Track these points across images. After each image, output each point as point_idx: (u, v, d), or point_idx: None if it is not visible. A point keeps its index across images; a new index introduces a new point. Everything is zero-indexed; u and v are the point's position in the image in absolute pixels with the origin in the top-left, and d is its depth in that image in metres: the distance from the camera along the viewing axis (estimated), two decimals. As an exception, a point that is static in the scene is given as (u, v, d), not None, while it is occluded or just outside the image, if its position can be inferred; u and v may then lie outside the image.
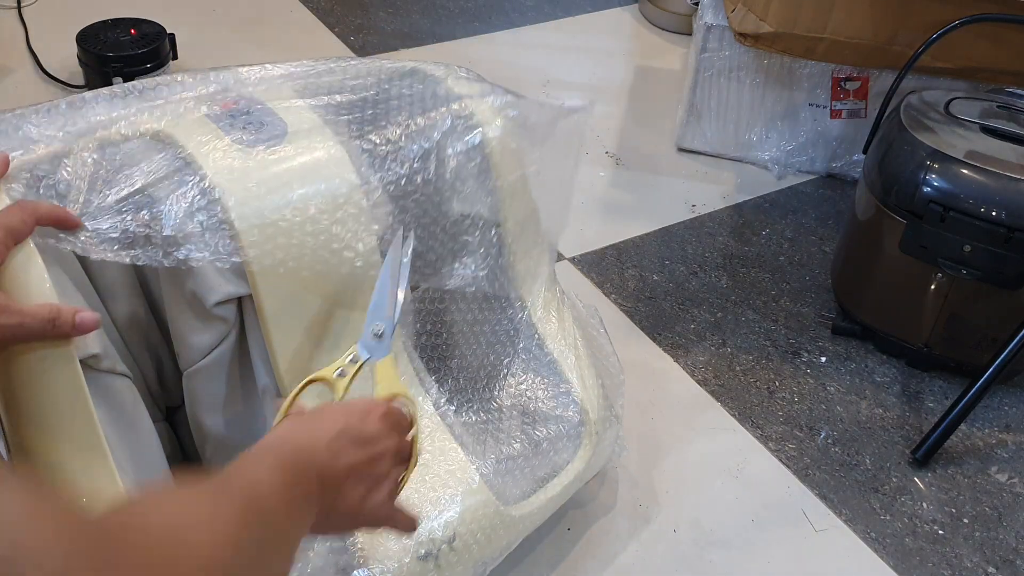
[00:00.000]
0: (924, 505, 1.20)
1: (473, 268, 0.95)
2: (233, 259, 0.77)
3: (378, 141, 0.88)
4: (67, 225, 0.74)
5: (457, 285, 0.94)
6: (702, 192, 1.73)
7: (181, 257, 0.76)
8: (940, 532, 1.17)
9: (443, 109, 0.93)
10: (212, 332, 0.81)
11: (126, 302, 0.86)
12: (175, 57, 1.80)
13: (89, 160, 0.77)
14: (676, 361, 1.37)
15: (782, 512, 1.17)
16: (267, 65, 0.95)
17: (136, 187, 0.77)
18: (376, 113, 0.89)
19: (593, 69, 2.10)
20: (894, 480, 1.23)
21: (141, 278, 0.88)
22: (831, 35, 1.58)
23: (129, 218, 0.75)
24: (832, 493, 1.20)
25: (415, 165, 0.89)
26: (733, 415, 1.29)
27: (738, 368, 1.37)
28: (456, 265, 0.94)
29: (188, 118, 0.84)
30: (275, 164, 0.81)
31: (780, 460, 1.24)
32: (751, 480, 1.21)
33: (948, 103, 1.36)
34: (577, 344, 1.03)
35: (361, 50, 2.03)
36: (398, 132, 0.89)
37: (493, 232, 0.96)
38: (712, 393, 1.32)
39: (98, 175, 0.77)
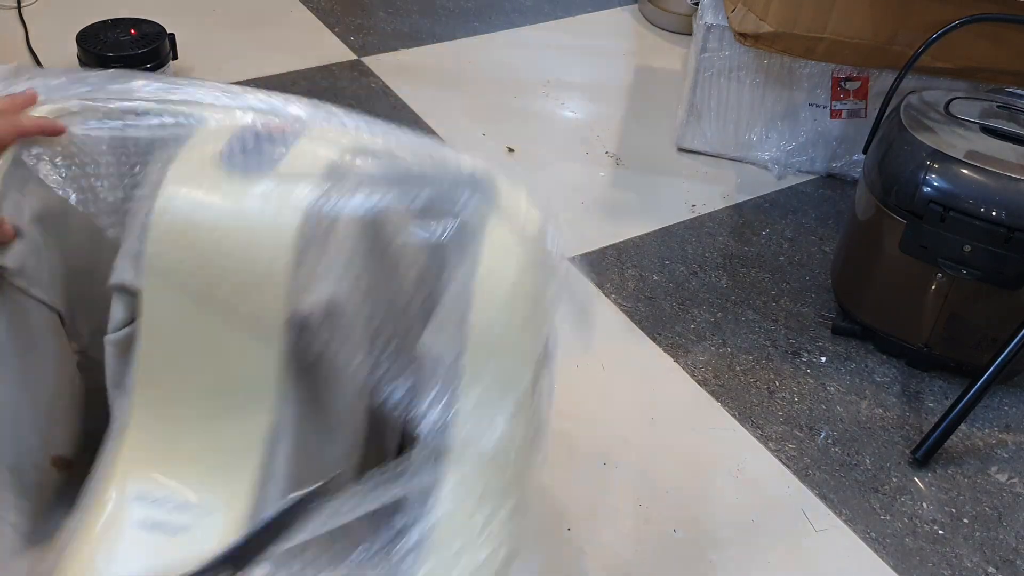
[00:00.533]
0: (924, 505, 1.20)
1: (404, 403, 0.78)
2: (136, 245, 0.77)
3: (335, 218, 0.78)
4: (52, 131, 0.77)
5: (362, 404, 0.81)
6: (702, 192, 1.73)
7: (103, 225, 0.79)
8: (940, 532, 1.17)
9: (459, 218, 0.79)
10: (120, 311, 0.81)
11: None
12: (175, 57, 1.81)
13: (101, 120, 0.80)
14: (676, 361, 1.37)
15: (782, 512, 1.17)
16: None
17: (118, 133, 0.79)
18: (387, 196, 0.80)
19: (593, 69, 2.10)
20: (894, 480, 1.23)
21: None
22: (831, 35, 1.58)
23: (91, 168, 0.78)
24: (832, 493, 1.20)
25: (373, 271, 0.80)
26: (733, 415, 1.29)
27: (738, 368, 1.37)
28: (380, 393, 0.80)
29: (227, 119, 0.83)
30: (226, 186, 0.78)
31: (780, 460, 1.24)
32: (751, 480, 1.21)
33: (948, 103, 1.36)
34: None
35: (361, 50, 2.03)
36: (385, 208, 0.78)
37: (443, 379, 0.77)
38: (712, 393, 1.32)
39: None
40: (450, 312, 0.78)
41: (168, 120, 0.82)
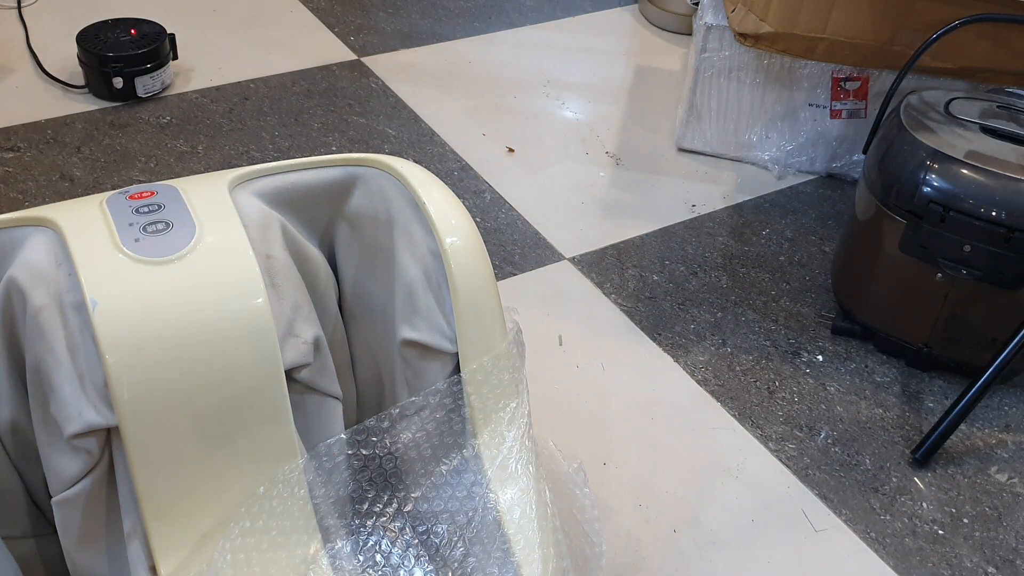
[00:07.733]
0: (924, 505, 1.20)
1: (422, 407, 0.80)
2: (91, 375, 0.68)
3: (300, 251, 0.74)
4: None
5: (403, 423, 0.80)
6: (702, 192, 1.73)
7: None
8: (940, 532, 1.17)
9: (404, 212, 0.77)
10: (76, 463, 0.71)
11: (8, 405, 0.75)
12: (175, 57, 1.81)
13: None
14: (676, 361, 1.37)
15: (782, 512, 1.17)
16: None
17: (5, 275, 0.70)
18: (319, 215, 0.77)
19: (593, 69, 2.10)
20: (894, 480, 1.23)
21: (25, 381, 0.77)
22: (831, 35, 1.58)
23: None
24: (832, 493, 1.20)
25: (353, 281, 0.78)
26: (733, 415, 1.29)
27: (738, 368, 1.37)
28: (402, 398, 0.81)
29: (87, 205, 0.73)
30: (165, 280, 0.70)
31: (780, 460, 1.24)
32: (751, 480, 1.21)
33: (948, 103, 1.36)
34: (546, 513, 0.83)
35: (361, 50, 2.03)
36: (346, 237, 0.76)
37: (450, 366, 0.80)
38: (712, 393, 1.32)
39: None
40: (428, 303, 0.80)
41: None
